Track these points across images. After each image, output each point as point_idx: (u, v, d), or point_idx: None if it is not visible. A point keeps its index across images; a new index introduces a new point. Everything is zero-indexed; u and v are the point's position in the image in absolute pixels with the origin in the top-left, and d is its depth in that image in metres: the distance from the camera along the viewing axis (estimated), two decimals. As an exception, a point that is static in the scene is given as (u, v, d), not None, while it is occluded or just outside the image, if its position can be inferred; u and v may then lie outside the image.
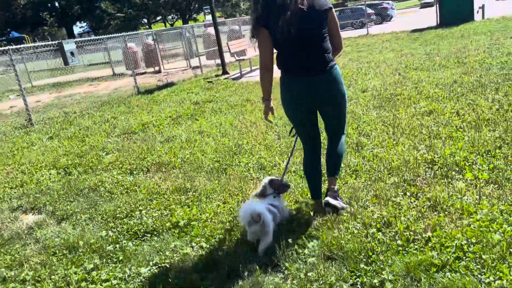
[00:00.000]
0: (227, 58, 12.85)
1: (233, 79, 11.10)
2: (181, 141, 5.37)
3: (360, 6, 26.79)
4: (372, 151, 3.98)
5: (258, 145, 4.75)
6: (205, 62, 16.10)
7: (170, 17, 71.99)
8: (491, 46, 9.52)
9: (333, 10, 2.52)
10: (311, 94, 2.54)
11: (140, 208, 3.35)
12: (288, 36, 2.41)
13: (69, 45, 13.49)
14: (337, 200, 2.72)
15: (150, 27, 66.72)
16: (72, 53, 13.98)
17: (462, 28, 14.69)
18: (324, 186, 3.00)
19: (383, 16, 28.03)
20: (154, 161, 4.65)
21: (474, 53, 8.94)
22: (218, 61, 12.99)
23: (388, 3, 29.34)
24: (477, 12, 17.35)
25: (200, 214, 3.08)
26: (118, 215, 3.26)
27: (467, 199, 2.77)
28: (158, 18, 70.85)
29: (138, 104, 8.91)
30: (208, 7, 38.61)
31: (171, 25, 68.02)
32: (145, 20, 69.95)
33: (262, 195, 2.75)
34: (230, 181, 3.71)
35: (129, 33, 13.68)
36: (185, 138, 5.49)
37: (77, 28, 71.15)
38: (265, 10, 2.42)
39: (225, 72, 12.22)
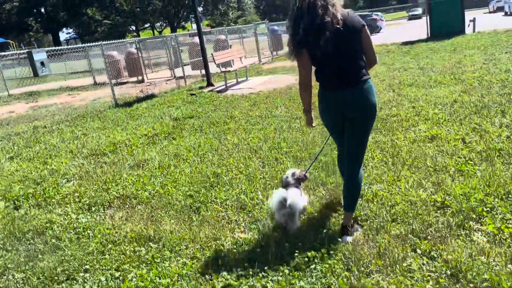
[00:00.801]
0: (213, 68, 12.32)
1: (218, 91, 10.53)
2: (153, 167, 4.75)
3: (349, 17, 26.61)
4: (370, 187, 3.42)
5: (240, 174, 4.16)
6: (190, 72, 15.51)
7: (158, 24, 71.48)
8: (488, 62, 9.12)
9: (366, 27, 2.66)
10: (344, 105, 2.70)
11: (87, 266, 2.71)
12: (326, 54, 2.60)
13: (39, 55, 12.70)
14: (351, 234, 2.79)
15: (138, 35, 66.06)
16: (42, 63, 13.21)
17: (453, 42, 14.38)
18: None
19: (372, 27, 27.78)
20: (118, 193, 4.02)
21: (470, 69, 8.52)
22: (204, 71, 12.44)
23: (377, 15, 29.19)
24: (468, 25, 17.13)
25: (160, 279, 2.46)
26: (57, 278, 2.62)
27: (495, 265, 2.21)
28: (146, 25, 70.26)
29: (114, 119, 8.26)
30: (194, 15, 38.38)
31: (160, 32, 67.44)
32: (133, 27, 69.34)
33: (285, 185, 3.02)
34: (203, 226, 3.10)
35: (108, 42, 13.03)
36: (158, 163, 4.87)
37: (63, 35, 70.19)
38: (306, 32, 2.56)
39: (210, 83, 11.64)
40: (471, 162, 3.61)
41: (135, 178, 4.39)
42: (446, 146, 4.10)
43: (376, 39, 21.22)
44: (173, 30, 60.16)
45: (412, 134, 4.66)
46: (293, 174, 3.09)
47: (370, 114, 2.72)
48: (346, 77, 2.66)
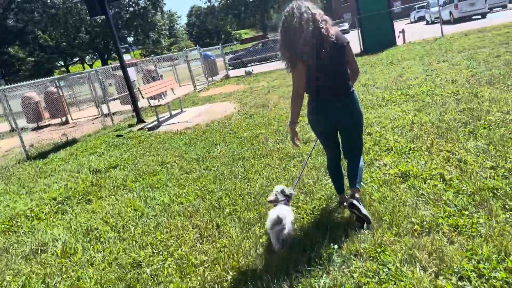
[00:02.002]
0: (146, 101, 11.11)
1: (149, 129, 9.37)
2: (52, 256, 3.54)
3: (282, 37, 26.51)
4: (346, 264, 2.50)
5: (169, 258, 3.09)
6: (120, 108, 14.18)
7: (88, 57, 68.55)
8: (429, 73, 8.79)
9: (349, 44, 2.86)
10: (338, 114, 2.92)
11: None
12: (323, 66, 2.80)
13: None
14: (361, 205, 2.91)
15: (67, 70, 62.73)
16: None
17: (388, 54, 14.31)
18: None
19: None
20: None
21: (415, 82, 8.08)
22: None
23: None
24: (398, 36, 17.33)
25: None
26: None
27: None
28: (76, 59, 67.09)
29: (21, 177, 6.84)
30: (126, 45, 36.65)
31: (90, 66, 64.55)
32: (62, 63, 65.95)
33: (273, 201, 3.06)
34: None
35: (22, 84, 11.42)
36: (61, 247, 3.67)
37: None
38: (306, 45, 2.70)
39: (140, 120, 10.44)
40: (466, 212, 2.81)
41: (20, 284, 3.16)
42: (425, 189, 3.30)
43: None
44: (104, 62, 57.77)
45: (379, 173, 3.85)
46: (282, 191, 3.12)
47: (360, 119, 3.02)
48: (340, 88, 2.89)
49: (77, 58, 66.27)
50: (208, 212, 3.75)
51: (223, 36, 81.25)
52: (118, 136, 8.91)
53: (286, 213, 2.88)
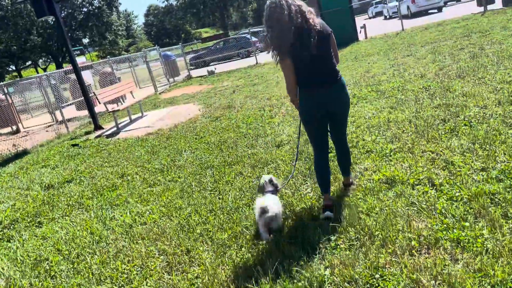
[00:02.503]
0: (103, 107, 10.44)
1: (108, 136, 8.75)
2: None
3: (244, 35, 26.05)
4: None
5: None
6: (75, 114, 13.36)
7: (41, 61, 65.51)
8: (397, 67, 8.67)
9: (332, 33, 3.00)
10: (329, 101, 3.01)
11: None
12: (313, 56, 2.86)
13: None
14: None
15: (20, 75, 59.57)
16: None
17: (351, 49, 14.23)
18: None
19: (267, 42, 27.69)
20: None
21: (383, 78, 7.92)
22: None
23: (270, 30, 29.18)
24: (360, 32, 17.36)
25: None
26: None
27: None
28: (28, 63, 63.93)
29: (-37, 198, 6.10)
30: (80, 47, 35.03)
31: (44, 69, 61.62)
32: (13, 67, 62.64)
33: (261, 190, 3.18)
34: None
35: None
36: (4, 285, 3.13)
37: None
38: (295, 37, 2.79)
39: (98, 127, 9.76)
40: (466, 224, 2.53)
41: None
42: (415, 196, 3.02)
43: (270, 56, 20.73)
44: (59, 66, 55.24)
45: (362, 179, 3.54)
46: (270, 180, 3.19)
47: (349, 104, 3.18)
48: (330, 75, 2.99)
49: (30, 62, 63.17)
50: (175, 233, 3.31)
51: (182, 35, 79.80)
52: (73, 145, 8.24)
53: (274, 202, 2.94)
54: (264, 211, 2.82)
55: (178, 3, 74.16)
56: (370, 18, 38.15)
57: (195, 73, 19.91)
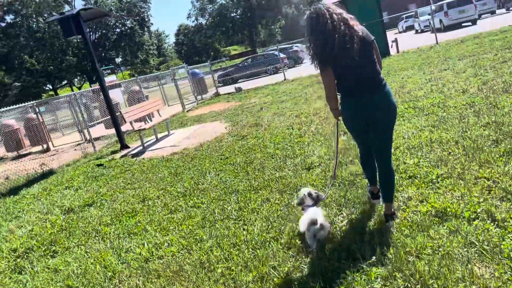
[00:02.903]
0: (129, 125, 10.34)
1: (133, 155, 8.57)
2: None
3: (272, 52, 25.92)
4: None
5: None
6: (104, 132, 13.39)
7: (76, 80, 67.72)
8: (434, 82, 8.14)
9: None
10: (373, 108, 2.89)
11: None
12: (356, 63, 2.80)
13: None
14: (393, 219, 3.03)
15: (56, 93, 61.66)
16: None
17: (383, 64, 13.72)
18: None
19: (295, 59, 27.45)
20: None
21: (420, 93, 7.42)
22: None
23: (298, 46, 28.96)
24: (391, 46, 16.83)
25: None
26: None
27: None
28: (64, 82, 66.20)
29: (-15, 220, 5.98)
30: (111, 66, 35.80)
31: (79, 88, 63.61)
32: (50, 86, 64.99)
33: (300, 204, 3.17)
34: None
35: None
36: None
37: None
38: (339, 45, 2.75)
39: (124, 146, 9.64)
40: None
41: None
42: (473, 234, 2.55)
43: (301, 70, 20.50)
44: (93, 84, 56.92)
45: (407, 211, 3.09)
46: (309, 194, 3.17)
47: (395, 113, 3.00)
48: (374, 81, 2.90)
49: (66, 81, 65.40)
50: (194, 272, 2.95)
51: (212, 53, 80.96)
52: (98, 165, 8.09)
53: (319, 214, 2.93)
54: (312, 223, 2.84)
55: (208, 22, 75.44)
56: (400, 32, 37.36)
57: (223, 90, 19.82)
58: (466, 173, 3.48)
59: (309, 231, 2.83)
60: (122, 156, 8.77)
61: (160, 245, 3.59)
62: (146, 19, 65.79)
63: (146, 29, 66.72)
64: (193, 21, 78.11)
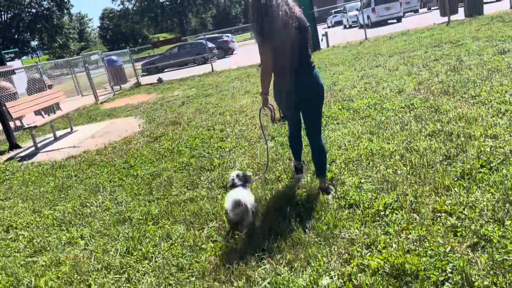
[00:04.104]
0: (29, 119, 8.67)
1: (22, 158, 7.05)
2: None
3: (200, 41, 24.53)
4: None
5: None
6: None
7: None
8: (368, 79, 7.57)
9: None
10: (303, 89, 3.08)
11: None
12: (290, 45, 2.96)
13: None
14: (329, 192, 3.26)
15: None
16: None
17: (313, 59, 13.14)
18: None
19: (225, 49, 26.34)
20: None
21: (353, 91, 6.77)
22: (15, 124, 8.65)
23: (228, 36, 27.87)
24: (322, 40, 16.41)
25: None
26: None
27: None
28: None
29: None
30: (15, 50, 31.73)
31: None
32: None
33: (232, 186, 3.19)
34: None
35: None
36: None
37: None
38: (277, 25, 2.87)
39: (14, 146, 7.99)
40: None
41: None
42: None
43: (230, 62, 19.48)
44: None
45: (352, 265, 2.23)
46: (237, 176, 3.24)
47: (322, 94, 3.20)
48: (304, 64, 3.07)
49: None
50: None
51: (139, 40, 76.87)
52: (-29, 172, 6.48)
53: (245, 195, 2.99)
54: (236, 205, 2.89)
55: (135, 7, 71.39)
56: (329, 27, 37.66)
57: (146, 80, 18.23)
58: (420, 202, 2.72)
59: (234, 213, 2.92)
60: (7, 160, 7.19)
61: None
62: (66, 0, 60.63)
63: (66, 11, 61.55)
64: (119, 5, 73.49)
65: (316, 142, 3.23)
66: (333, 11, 39.53)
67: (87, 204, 4.08)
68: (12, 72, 10.51)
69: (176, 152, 5.41)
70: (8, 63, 15.68)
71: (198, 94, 10.82)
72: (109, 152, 6.25)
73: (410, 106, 5.15)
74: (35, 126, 7.38)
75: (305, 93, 3.07)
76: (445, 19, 15.45)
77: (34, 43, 64.00)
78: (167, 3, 69.89)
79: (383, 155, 3.68)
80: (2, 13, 55.83)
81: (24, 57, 63.85)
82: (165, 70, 23.26)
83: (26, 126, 7.39)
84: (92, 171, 5.33)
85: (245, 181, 3.23)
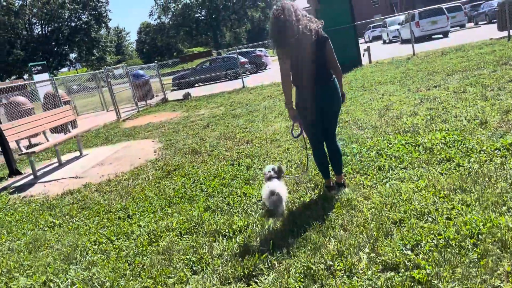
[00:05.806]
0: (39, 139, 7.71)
1: (16, 189, 6.02)
2: None
3: (232, 55, 23.56)
4: None
5: None
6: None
7: (27, 75, 62.66)
8: (430, 104, 6.12)
9: (329, 40, 3.24)
10: (322, 98, 3.26)
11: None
12: (307, 57, 3.15)
13: None
14: (345, 186, 3.58)
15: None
16: None
17: (356, 75, 11.75)
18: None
19: (258, 64, 25.23)
20: None
21: (416, 120, 5.37)
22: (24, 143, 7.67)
23: (261, 51, 26.78)
24: (363, 55, 14.97)
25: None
26: None
27: None
28: (13, 78, 60.97)
29: None
30: (43, 62, 31.83)
31: (27, 84, 58.60)
32: (-3, 80, 59.56)
33: (269, 179, 3.44)
34: None
35: None
36: None
37: None
38: (295, 39, 3.07)
39: (14, 172, 7.01)
40: None
41: None
42: None
43: (263, 78, 18.28)
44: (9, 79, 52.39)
45: None
46: (273, 169, 3.50)
47: (338, 104, 3.36)
48: (323, 75, 3.23)
49: (15, 76, 60.18)
50: None
51: (175, 53, 77.44)
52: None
53: (280, 187, 3.28)
54: (272, 194, 3.17)
55: (171, 22, 72.05)
56: (366, 42, 35.91)
57: (174, 95, 17.31)
58: None
59: (269, 200, 3.19)
60: (1, 190, 6.18)
61: None
62: (104, 14, 61.81)
63: (103, 24, 62.74)
64: (156, 20, 74.36)
65: (331, 146, 3.47)
66: (371, 25, 37.90)
67: (52, 280, 2.86)
68: (24, 86, 9.68)
69: (188, 198, 4.15)
70: (35, 76, 15.08)
71: (225, 114, 9.64)
72: (111, 188, 5.11)
73: (507, 147, 3.71)
74: (33, 152, 6.33)
75: (320, 103, 3.26)
76: (504, 33, 13.74)
77: (72, 56, 65.53)
78: (202, 17, 70.15)
79: (500, 240, 2.27)
80: (43, 26, 57.41)
81: (63, 69, 65.42)
82: (196, 85, 22.38)
83: (24, 152, 6.36)
84: (81, 219, 4.16)
85: (279, 173, 3.51)
